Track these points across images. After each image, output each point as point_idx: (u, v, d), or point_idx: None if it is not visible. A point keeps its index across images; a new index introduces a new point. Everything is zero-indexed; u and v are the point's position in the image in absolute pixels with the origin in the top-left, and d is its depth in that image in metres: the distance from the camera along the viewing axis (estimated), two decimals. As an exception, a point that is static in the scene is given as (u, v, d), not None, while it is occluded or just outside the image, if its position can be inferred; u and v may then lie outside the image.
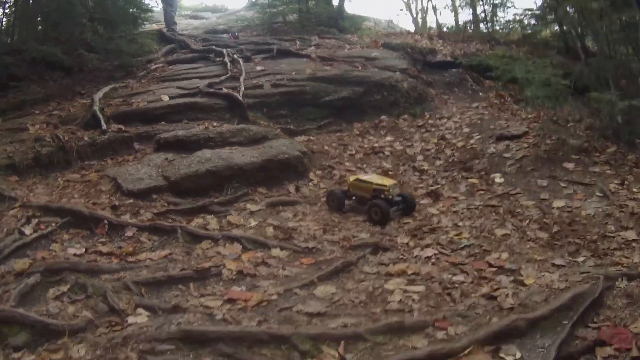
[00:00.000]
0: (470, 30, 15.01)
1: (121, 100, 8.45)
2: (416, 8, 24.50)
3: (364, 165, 7.07)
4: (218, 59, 10.85)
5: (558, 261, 4.21)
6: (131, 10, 11.73)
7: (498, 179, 6.27)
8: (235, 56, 10.76)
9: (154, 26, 14.11)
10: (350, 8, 17.46)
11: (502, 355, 3.02)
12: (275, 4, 16.04)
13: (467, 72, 11.15)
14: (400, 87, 9.47)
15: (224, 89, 8.64)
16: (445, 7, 29.75)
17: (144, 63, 10.94)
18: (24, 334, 3.44)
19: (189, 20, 19.02)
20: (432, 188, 6.18)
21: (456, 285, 3.91)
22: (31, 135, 7.34)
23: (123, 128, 7.50)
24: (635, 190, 5.45)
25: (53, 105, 8.82)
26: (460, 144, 7.58)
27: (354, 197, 5.82)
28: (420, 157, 7.26)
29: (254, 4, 19.08)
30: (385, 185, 5.61)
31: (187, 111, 8.01)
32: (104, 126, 7.47)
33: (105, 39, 10.87)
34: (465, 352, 3.02)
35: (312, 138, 7.96)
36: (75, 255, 4.53)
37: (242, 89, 8.65)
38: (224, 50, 11.20)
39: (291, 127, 8.20)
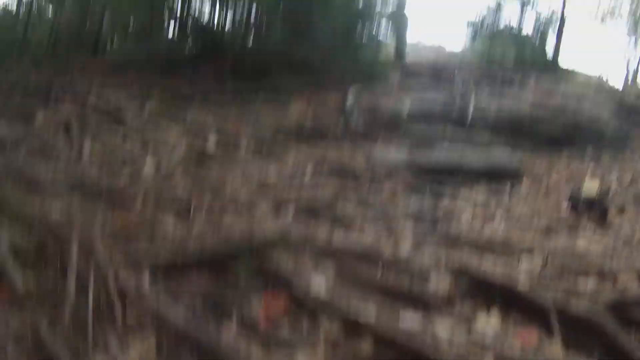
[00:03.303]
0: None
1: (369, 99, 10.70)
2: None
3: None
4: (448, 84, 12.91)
5: None
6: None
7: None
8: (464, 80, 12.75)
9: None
10: (565, 62, 18.54)
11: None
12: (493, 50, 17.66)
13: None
14: (607, 125, 11.21)
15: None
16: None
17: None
18: (329, 218, 5.47)
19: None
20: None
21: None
22: (292, 112, 10.13)
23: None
24: None
25: (307, 94, 11.37)
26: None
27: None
28: (614, 184, 8.80)
29: (472, 48, 20.48)
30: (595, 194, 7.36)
31: (425, 117, 10.17)
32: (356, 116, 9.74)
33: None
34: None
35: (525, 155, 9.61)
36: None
37: (471, 107, 10.63)
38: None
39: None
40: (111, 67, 14.62)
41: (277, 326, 3.73)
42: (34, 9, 18.72)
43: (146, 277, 4.06)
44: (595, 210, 7.07)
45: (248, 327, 3.67)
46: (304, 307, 3.88)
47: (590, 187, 7.82)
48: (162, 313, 3.67)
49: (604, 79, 20.16)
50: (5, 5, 19.18)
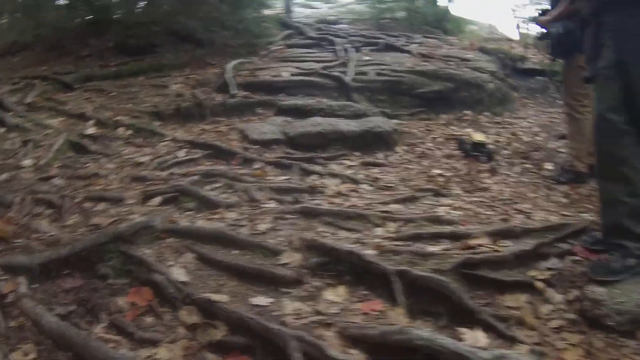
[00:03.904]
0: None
1: (248, 72, 10.84)
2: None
3: (442, 147, 9.08)
4: (330, 47, 13.13)
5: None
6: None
7: (548, 166, 8.22)
8: (345, 46, 12.96)
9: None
10: (457, 11, 19.14)
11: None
12: (384, 0, 18.15)
13: (551, 80, 12.97)
14: (487, 87, 11.36)
15: (334, 72, 10.84)
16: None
17: (266, 44, 13.36)
18: (194, 203, 5.70)
19: (301, 8, 20.99)
20: (493, 166, 8.18)
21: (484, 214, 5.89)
22: (172, 92, 9.88)
23: (249, 95, 9.84)
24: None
25: (188, 71, 11.32)
26: (526, 139, 9.61)
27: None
28: (491, 146, 9.19)
29: None
30: (483, 141, 8.68)
31: (302, 87, 10.27)
32: (233, 91, 9.83)
33: (237, 20, 13.32)
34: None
35: (403, 122, 9.89)
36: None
37: (351, 73, 10.81)
38: (337, 40, 13.47)
39: (387, 111, 10.10)
40: (-2, 49, 14.30)
41: (141, 320, 3.93)
42: None
43: (23, 281, 4.22)
44: (485, 153, 8.47)
45: (116, 324, 3.87)
46: (166, 297, 4.10)
47: (477, 136, 8.97)
48: (38, 318, 3.84)
49: (495, 28, 20.65)
50: None
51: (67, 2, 15.22)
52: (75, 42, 13.84)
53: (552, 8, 6.97)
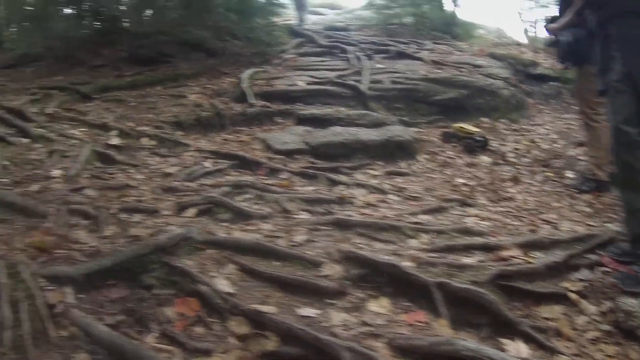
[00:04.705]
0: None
1: (264, 82, 11.02)
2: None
3: (462, 155, 9.19)
4: (342, 55, 13.34)
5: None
6: (267, 3, 14.42)
7: (569, 174, 8.35)
8: (357, 54, 13.13)
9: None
10: (463, 14, 19.31)
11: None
12: (391, 6, 18.35)
13: (564, 86, 13.14)
14: (501, 94, 11.58)
15: (349, 80, 11.01)
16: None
17: (278, 53, 13.59)
18: (228, 214, 5.83)
19: (308, 15, 20.88)
20: (515, 175, 8.31)
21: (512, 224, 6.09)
22: (191, 102, 10.00)
23: (267, 104, 10.01)
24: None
25: (204, 81, 11.46)
26: (545, 147, 9.78)
27: (455, 137, 9.48)
28: (511, 155, 9.37)
29: (370, 4, 21.13)
30: (474, 131, 9.16)
31: (319, 96, 10.47)
32: (251, 101, 10.00)
33: (247, 29, 13.51)
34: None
35: (421, 130, 10.11)
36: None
37: (366, 82, 11.00)
38: (349, 48, 13.64)
39: (405, 119, 10.32)
40: (8, 62, 14.77)
41: (191, 331, 3.98)
42: None
43: (69, 292, 4.24)
44: (467, 142, 9.22)
45: (167, 334, 3.92)
46: (213, 308, 4.16)
47: (469, 128, 9.54)
48: (89, 328, 3.86)
49: (504, 32, 20.79)
50: None
51: (74, 12, 15.45)
52: (87, 52, 14.02)
53: (560, 14, 7.01)
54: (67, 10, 15.97)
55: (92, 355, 3.71)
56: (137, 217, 5.78)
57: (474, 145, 9.22)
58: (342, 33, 17.01)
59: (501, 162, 8.97)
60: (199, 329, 4.02)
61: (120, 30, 14.14)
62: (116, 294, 4.38)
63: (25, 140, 8.18)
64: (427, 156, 8.90)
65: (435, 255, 4.87)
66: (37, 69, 13.81)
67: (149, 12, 15.10)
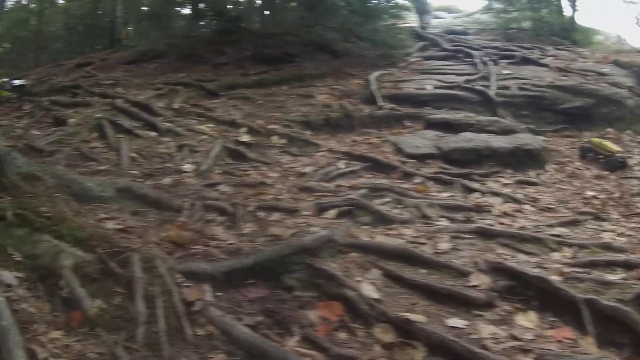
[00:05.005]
0: None
1: (391, 84, 11.14)
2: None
3: (590, 167, 9.01)
4: (467, 59, 13.29)
5: None
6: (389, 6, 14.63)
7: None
8: (483, 58, 13.06)
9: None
10: (581, 19, 18.95)
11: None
12: (509, 10, 18.23)
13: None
14: (626, 103, 11.32)
15: (477, 86, 10.99)
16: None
17: (403, 55, 13.66)
18: (369, 217, 5.87)
19: (431, 18, 20.63)
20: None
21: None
22: (319, 102, 10.16)
23: (396, 107, 10.09)
24: None
25: (330, 81, 11.60)
26: (672, 157, 9.52)
27: (593, 152, 9.05)
28: (637, 167, 9.13)
29: (488, 7, 20.79)
30: (615, 150, 8.82)
31: (447, 100, 10.54)
32: (380, 103, 10.09)
33: (371, 31, 13.61)
34: None
35: (548, 139, 9.96)
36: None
37: (494, 87, 10.96)
38: (474, 52, 13.59)
39: (532, 126, 10.18)
40: (129, 59, 15.22)
41: (335, 336, 3.95)
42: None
43: (207, 289, 4.31)
44: (608, 160, 8.88)
45: (309, 338, 3.90)
46: (358, 313, 4.14)
47: (609, 145, 9.17)
48: (228, 327, 3.90)
49: (623, 39, 20.33)
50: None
51: (192, 12, 15.92)
52: (209, 50, 14.40)
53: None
54: (184, 11, 16.62)
55: (229, 356, 3.73)
56: (275, 216, 5.86)
57: (615, 165, 8.92)
58: (461, 37, 16.88)
59: (629, 175, 8.74)
60: (342, 335, 3.98)
61: (243, 30, 14.49)
62: (255, 293, 4.40)
63: (152, 134, 8.50)
64: (555, 166, 8.78)
65: (579, 270, 4.80)
66: (159, 65, 14.25)
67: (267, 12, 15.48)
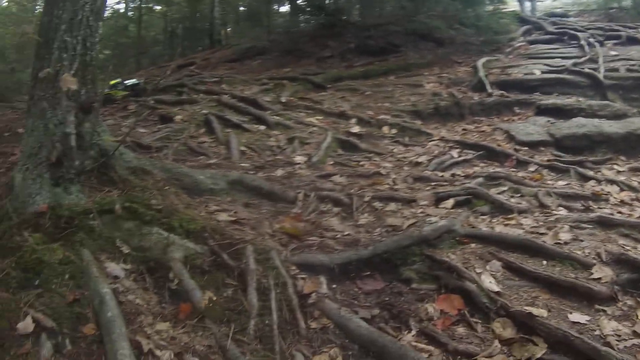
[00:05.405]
0: None
1: (499, 70, 11.03)
2: None
3: None
4: (573, 42, 13.06)
5: None
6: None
7: None
8: (590, 40, 12.78)
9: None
10: None
11: None
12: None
13: None
14: None
15: (586, 69, 10.74)
16: None
17: (507, 40, 13.54)
18: (487, 206, 5.85)
19: (526, 2, 20.67)
20: None
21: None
22: (427, 90, 10.17)
23: (505, 93, 10.00)
24: None
25: (437, 70, 11.60)
26: None
27: None
28: None
29: None
30: None
31: (555, 85, 10.33)
32: (489, 90, 10.03)
33: (475, 17, 13.51)
34: None
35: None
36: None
37: (602, 70, 10.67)
38: (579, 34, 13.29)
39: (644, 111, 9.95)
40: (231, 57, 15.61)
41: (453, 330, 3.95)
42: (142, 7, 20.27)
43: (324, 282, 4.36)
44: None
45: (426, 333, 3.91)
46: (477, 307, 4.14)
47: None
48: (343, 320, 3.94)
49: None
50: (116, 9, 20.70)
51: (291, 9, 16.12)
52: (311, 45, 14.61)
53: None
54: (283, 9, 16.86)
55: (344, 350, 3.75)
56: (392, 206, 5.88)
57: None
58: (563, 19, 16.59)
59: None
60: (461, 329, 3.97)
61: (344, 23, 14.61)
62: (371, 286, 4.44)
63: (261, 127, 8.64)
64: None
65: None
66: (263, 62, 14.54)
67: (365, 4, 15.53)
